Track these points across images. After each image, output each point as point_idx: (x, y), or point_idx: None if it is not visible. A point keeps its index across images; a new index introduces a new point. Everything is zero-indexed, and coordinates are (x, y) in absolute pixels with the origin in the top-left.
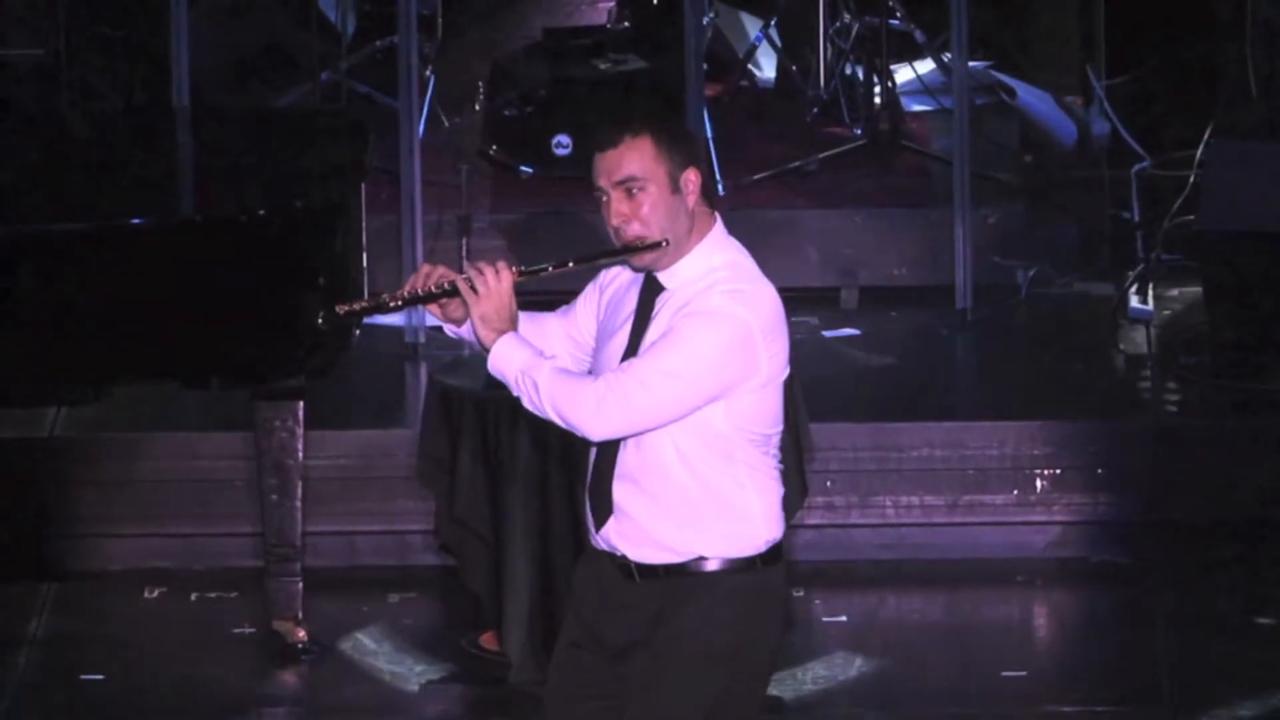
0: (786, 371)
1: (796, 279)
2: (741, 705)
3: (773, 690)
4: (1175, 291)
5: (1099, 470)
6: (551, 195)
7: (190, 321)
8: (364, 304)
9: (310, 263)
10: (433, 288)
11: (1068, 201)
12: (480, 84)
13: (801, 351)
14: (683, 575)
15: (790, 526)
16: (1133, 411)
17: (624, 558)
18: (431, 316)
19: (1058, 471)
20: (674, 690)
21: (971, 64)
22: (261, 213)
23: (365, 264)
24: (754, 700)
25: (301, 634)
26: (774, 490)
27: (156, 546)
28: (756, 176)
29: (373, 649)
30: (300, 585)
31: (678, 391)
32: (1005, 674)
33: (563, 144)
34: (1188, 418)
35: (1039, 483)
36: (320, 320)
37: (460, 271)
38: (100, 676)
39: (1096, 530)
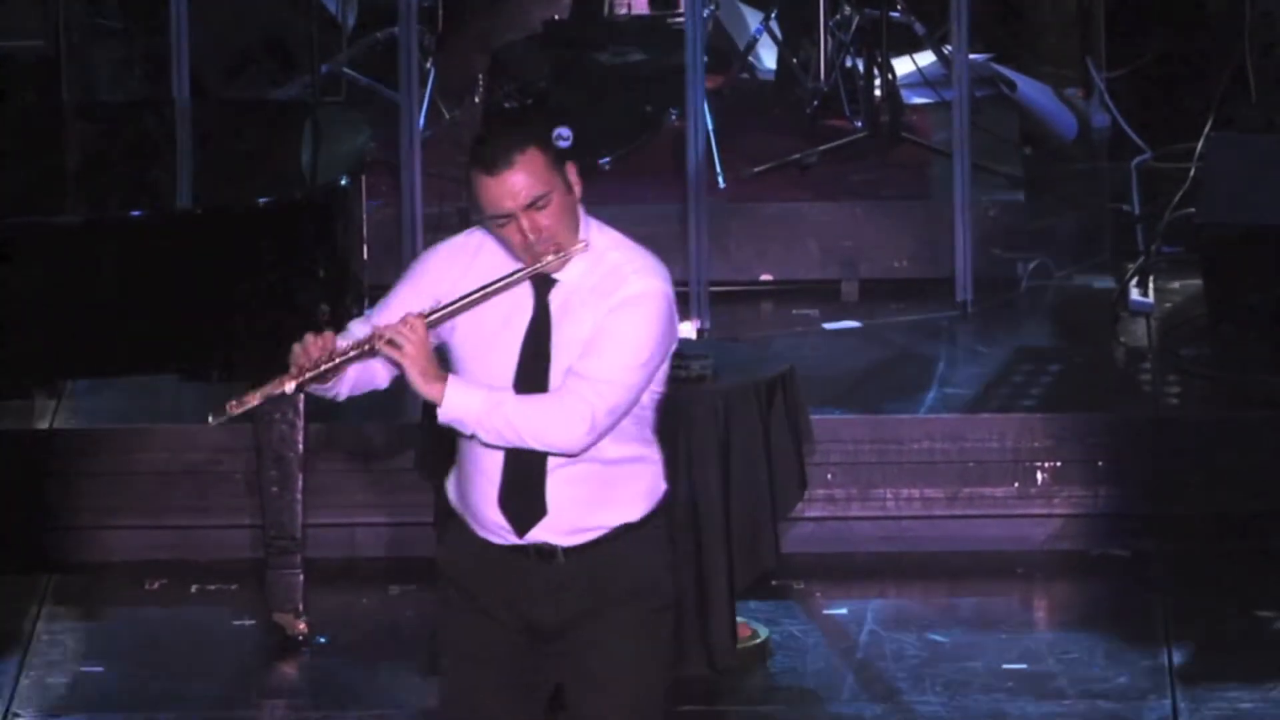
0: None
1: (797, 271)
2: (672, 647)
3: (773, 682)
4: (1176, 284)
5: (1099, 463)
6: None
7: (189, 313)
8: (260, 394)
9: (310, 255)
10: (335, 359)
11: (1068, 194)
12: (480, 76)
13: (802, 344)
14: (608, 542)
15: (790, 519)
16: (1133, 404)
17: (548, 546)
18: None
19: (1058, 464)
20: (644, 643)
21: (972, 56)
22: (260, 204)
23: (365, 256)
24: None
25: (302, 626)
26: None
27: (156, 538)
28: (757, 169)
29: (373, 641)
30: (301, 577)
31: (643, 378)
32: (1005, 666)
33: (563, 136)
34: (1188, 410)
35: (1039, 475)
36: (210, 420)
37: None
38: (100, 668)
39: (1097, 523)
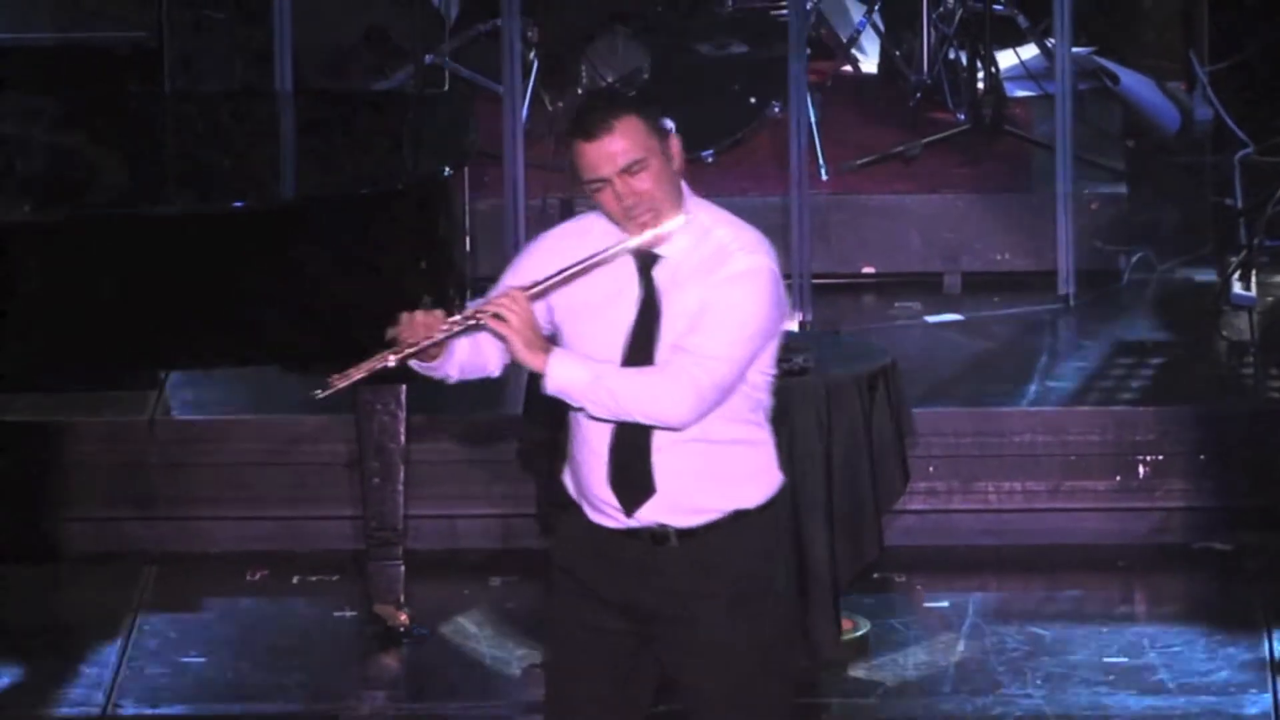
0: None
1: (899, 264)
2: (790, 637)
3: (875, 675)
4: (1278, 278)
5: (1201, 456)
6: None
7: (291, 305)
8: (363, 368)
9: (411, 246)
10: (437, 335)
11: (1170, 187)
12: (583, 68)
13: (904, 337)
14: (724, 527)
15: (892, 512)
16: (1235, 397)
17: (662, 528)
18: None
19: (1160, 457)
20: (748, 630)
21: (1074, 49)
22: (362, 195)
23: (468, 248)
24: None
25: (403, 617)
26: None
27: (257, 529)
28: (859, 161)
29: (474, 633)
30: (402, 569)
31: (749, 354)
32: (1106, 660)
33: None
34: None
35: (1141, 469)
36: (316, 394)
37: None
38: (200, 659)
39: (1198, 516)
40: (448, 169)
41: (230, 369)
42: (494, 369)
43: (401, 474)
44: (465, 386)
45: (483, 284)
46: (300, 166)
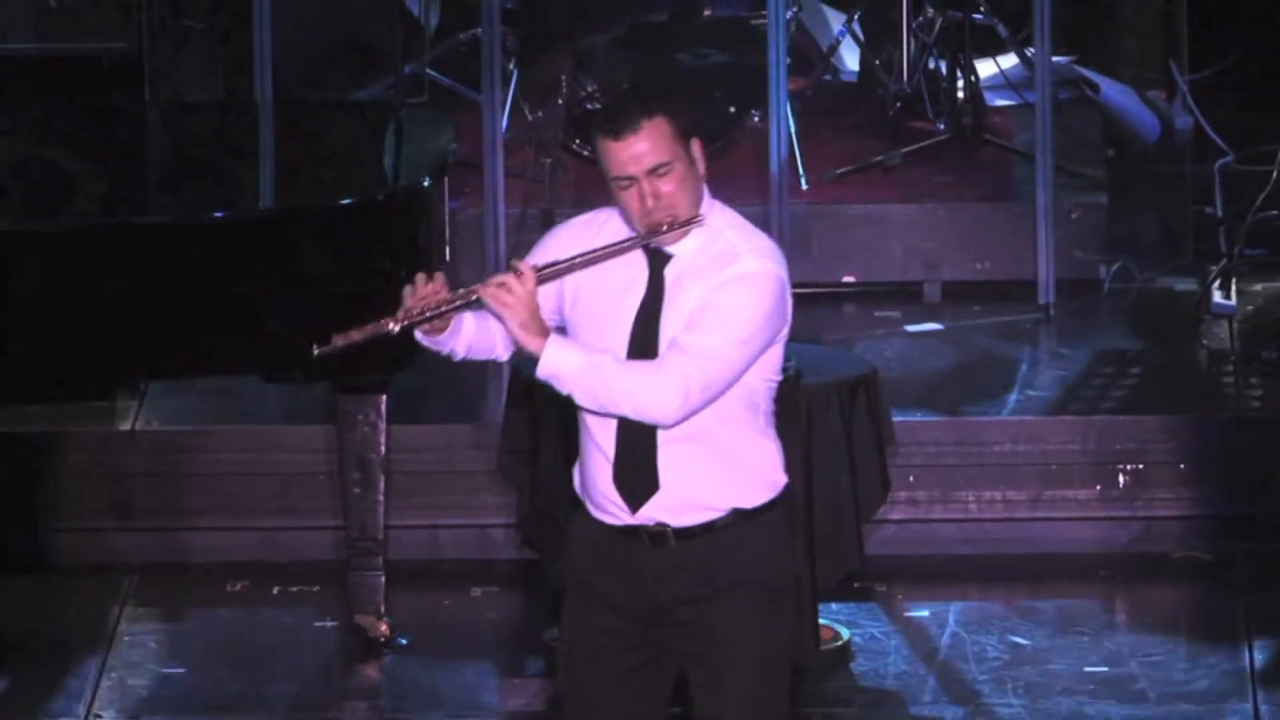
0: None
1: (879, 273)
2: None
3: (855, 684)
4: (1258, 286)
5: (1182, 465)
6: None
7: (272, 314)
8: (365, 331)
9: (392, 256)
10: (443, 305)
11: (1151, 196)
12: (563, 77)
13: (884, 346)
14: (721, 529)
15: (872, 521)
16: (1216, 406)
17: (660, 526)
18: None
19: (1140, 467)
20: (756, 640)
21: (1054, 58)
22: (343, 205)
23: (448, 257)
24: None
25: (383, 627)
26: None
27: (238, 539)
28: (839, 171)
29: (455, 643)
30: (382, 579)
31: (744, 357)
32: (1087, 669)
33: None
34: (1271, 412)
35: (1121, 478)
36: (314, 352)
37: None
38: (181, 669)
39: (1179, 525)
40: (427, 179)
41: (211, 379)
42: (501, 352)
43: (382, 484)
44: (446, 397)
45: None
46: (279, 177)
